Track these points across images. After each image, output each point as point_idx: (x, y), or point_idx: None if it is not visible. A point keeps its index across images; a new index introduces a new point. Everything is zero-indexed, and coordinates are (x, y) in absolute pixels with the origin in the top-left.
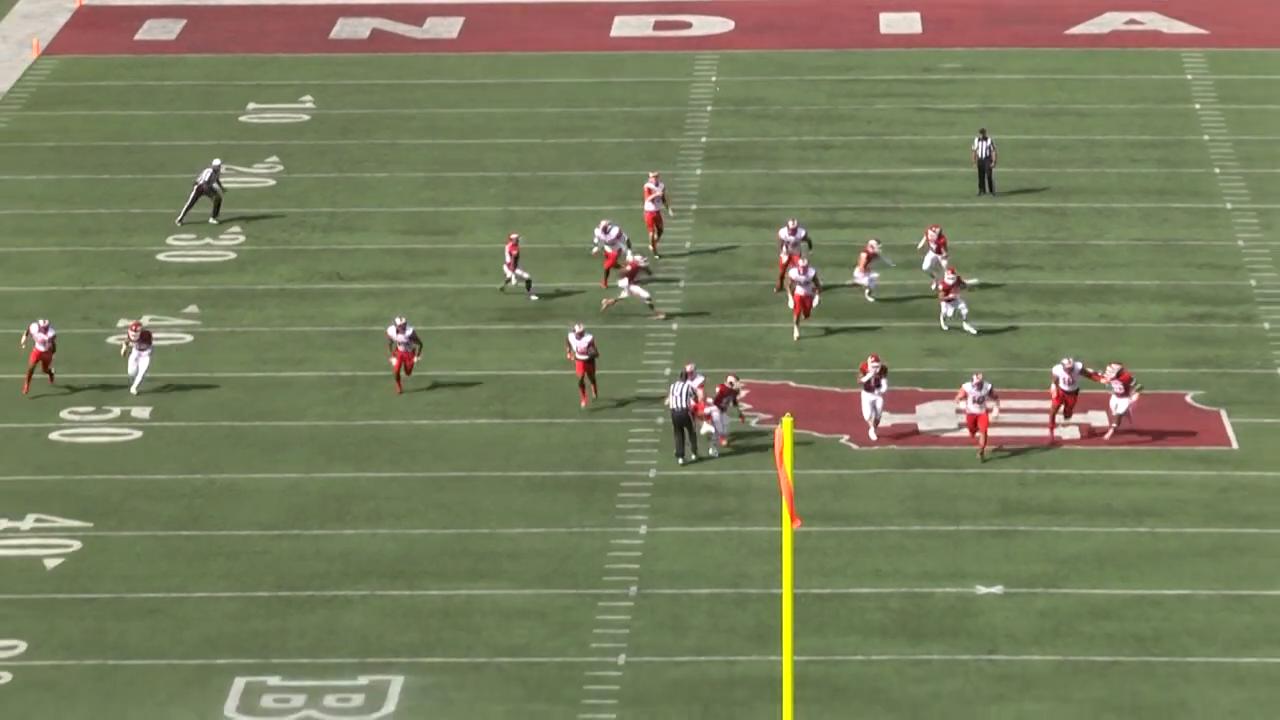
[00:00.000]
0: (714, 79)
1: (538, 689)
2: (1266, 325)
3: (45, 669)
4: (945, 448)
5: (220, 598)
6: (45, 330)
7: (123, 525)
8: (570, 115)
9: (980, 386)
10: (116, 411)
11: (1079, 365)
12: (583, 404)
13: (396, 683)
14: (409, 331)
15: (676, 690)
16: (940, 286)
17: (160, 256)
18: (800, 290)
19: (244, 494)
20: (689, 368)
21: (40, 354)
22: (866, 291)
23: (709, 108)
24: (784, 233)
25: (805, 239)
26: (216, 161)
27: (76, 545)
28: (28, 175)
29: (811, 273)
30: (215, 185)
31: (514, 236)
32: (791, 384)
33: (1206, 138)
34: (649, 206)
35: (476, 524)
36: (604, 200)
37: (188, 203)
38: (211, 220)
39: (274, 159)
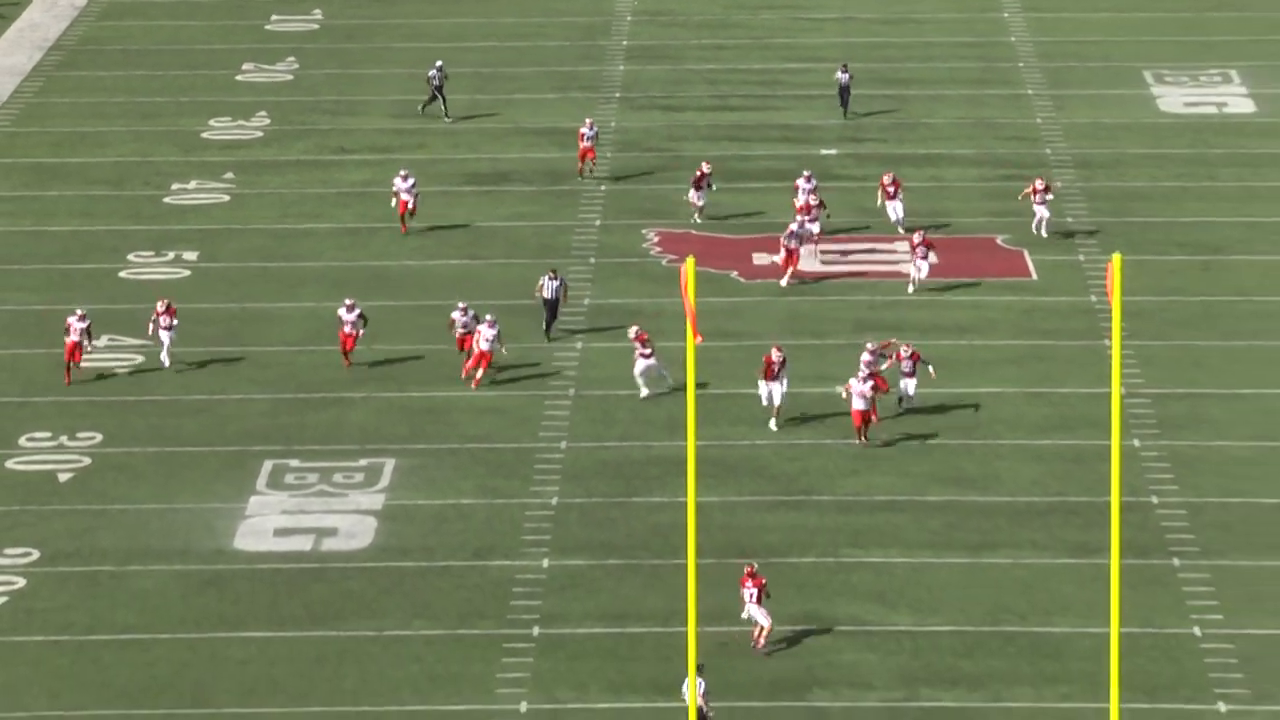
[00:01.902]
0: None
1: (499, 468)
2: (1059, 184)
3: (118, 455)
4: (812, 280)
5: (253, 399)
6: (83, 319)
7: (178, 343)
8: (523, 24)
9: (865, 380)
10: (171, 255)
11: (879, 349)
12: (466, 379)
13: (389, 464)
14: (357, 311)
15: (606, 468)
16: (918, 245)
17: (204, 135)
18: (791, 244)
19: (272, 319)
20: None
21: (75, 344)
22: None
23: (629, 18)
24: (800, 181)
25: (815, 189)
26: (439, 62)
27: (141, 359)
28: (100, 72)
29: (809, 228)
30: (440, 83)
31: (704, 166)
32: (693, 232)
33: (1013, 39)
34: (584, 144)
35: (452, 341)
36: (547, 90)
37: (441, 101)
38: (434, 115)
39: (292, 59)
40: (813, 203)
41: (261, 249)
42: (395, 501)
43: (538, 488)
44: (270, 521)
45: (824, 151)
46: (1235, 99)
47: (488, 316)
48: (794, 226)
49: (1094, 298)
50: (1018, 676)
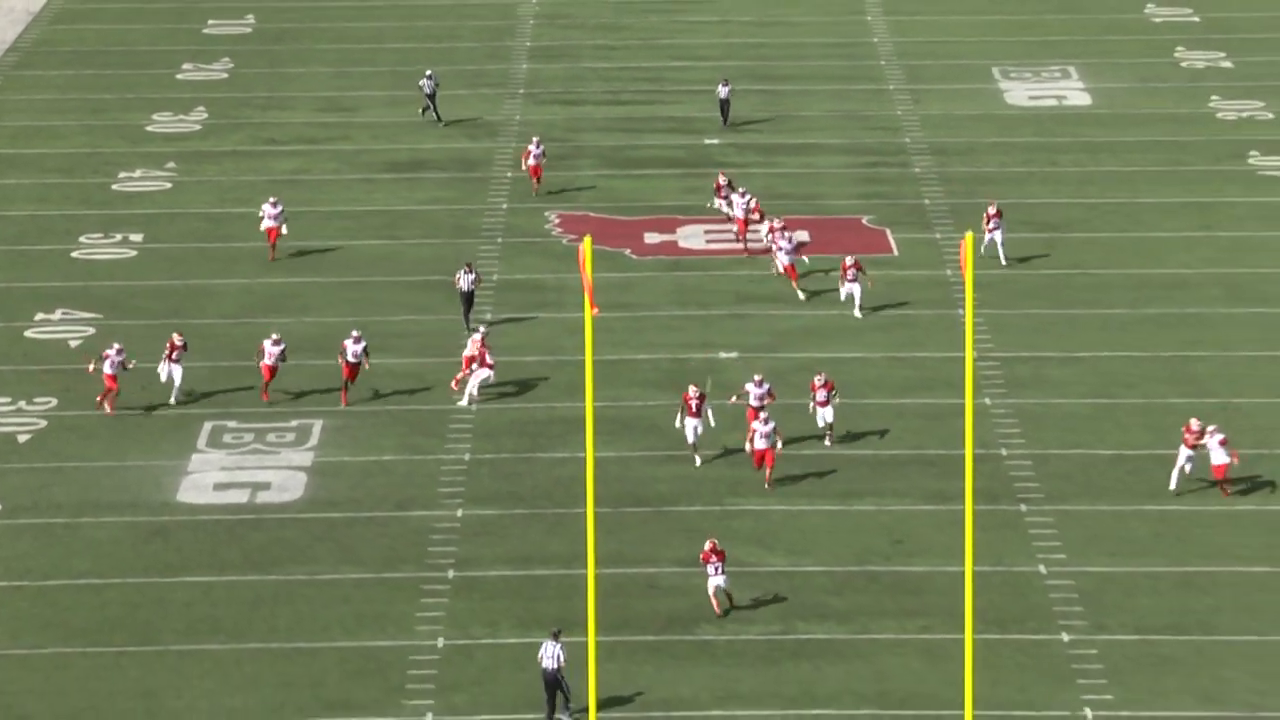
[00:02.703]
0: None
1: (417, 426)
2: (917, 170)
3: (71, 417)
4: (697, 257)
5: (195, 366)
6: (120, 353)
7: (125, 316)
8: (436, 27)
9: (766, 422)
10: (119, 237)
11: (767, 385)
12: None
13: (318, 424)
14: (282, 346)
15: (514, 426)
16: (849, 268)
17: (148, 128)
18: (787, 260)
19: (210, 294)
20: (467, 268)
21: (112, 378)
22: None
23: (531, 21)
24: (735, 197)
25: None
26: (430, 71)
27: (92, 331)
28: (53, 71)
29: (795, 242)
30: (432, 91)
31: (721, 178)
32: (590, 214)
33: (876, 40)
34: (531, 162)
35: (374, 313)
36: (460, 86)
37: (432, 108)
38: (438, 123)
39: (227, 59)
40: (777, 225)
41: (200, 231)
42: (324, 458)
43: (452, 445)
44: (210, 477)
45: (707, 141)
46: (1073, 92)
47: (481, 328)
48: (784, 244)
49: (949, 271)
50: (882, 611)
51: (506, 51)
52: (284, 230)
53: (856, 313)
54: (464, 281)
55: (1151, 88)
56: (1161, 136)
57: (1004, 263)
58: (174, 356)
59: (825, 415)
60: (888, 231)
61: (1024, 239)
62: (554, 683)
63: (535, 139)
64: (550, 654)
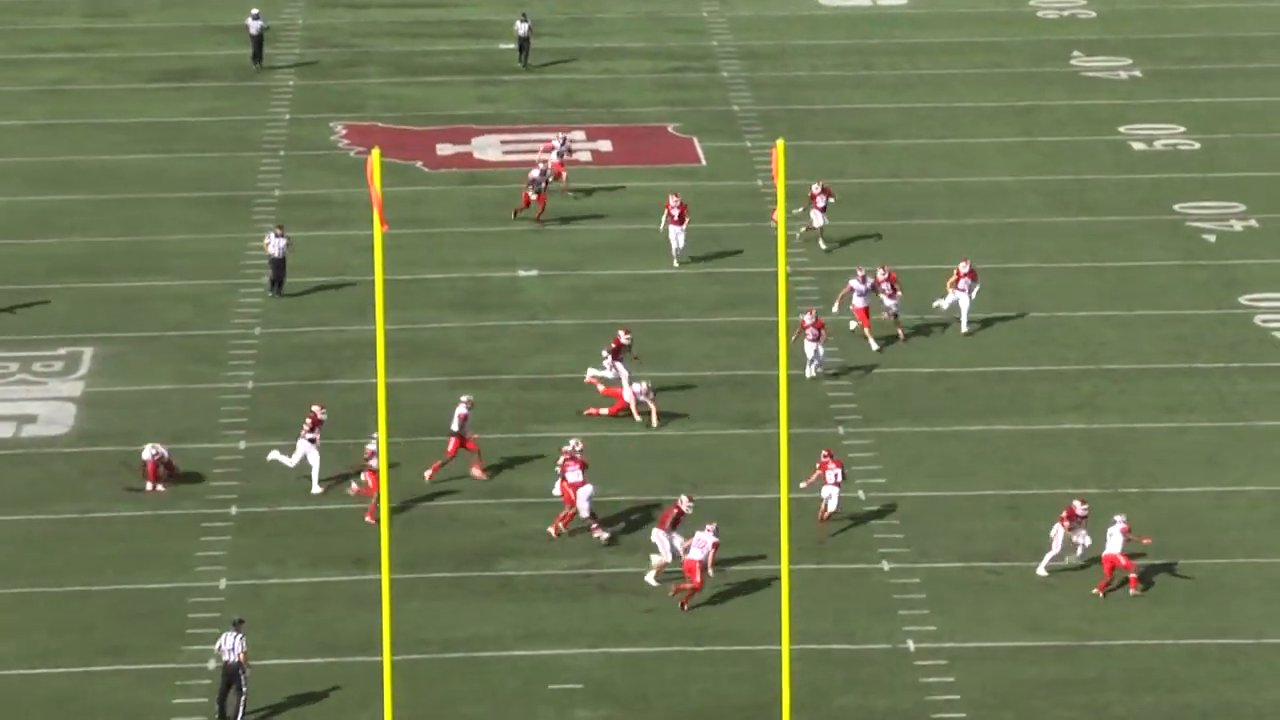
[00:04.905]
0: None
1: (195, 354)
2: (725, 74)
3: None
4: (494, 169)
5: None
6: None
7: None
8: None
9: (700, 547)
10: None
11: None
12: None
13: (88, 352)
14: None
15: (299, 352)
16: (809, 326)
17: None
18: (858, 303)
19: None
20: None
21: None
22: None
23: None
24: (814, 188)
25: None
26: (256, 10)
27: None
28: None
29: (869, 283)
30: (259, 32)
31: (815, 187)
32: (379, 125)
33: None
34: (553, 158)
35: (150, 232)
36: None
37: (256, 50)
38: (257, 67)
39: None
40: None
41: None
42: (94, 388)
43: (233, 373)
44: None
45: (502, 46)
46: None
47: (646, 378)
48: (854, 283)
49: (760, 182)
50: None
51: None
52: None
53: (809, 371)
54: (274, 246)
55: None
56: (980, 38)
57: (964, 329)
58: (312, 434)
59: (583, 497)
60: (695, 140)
61: (838, 146)
62: (234, 676)
63: (563, 136)
64: (230, 645)
